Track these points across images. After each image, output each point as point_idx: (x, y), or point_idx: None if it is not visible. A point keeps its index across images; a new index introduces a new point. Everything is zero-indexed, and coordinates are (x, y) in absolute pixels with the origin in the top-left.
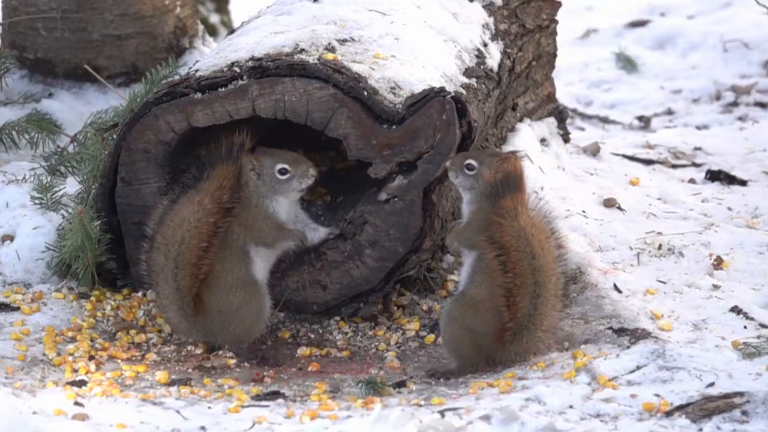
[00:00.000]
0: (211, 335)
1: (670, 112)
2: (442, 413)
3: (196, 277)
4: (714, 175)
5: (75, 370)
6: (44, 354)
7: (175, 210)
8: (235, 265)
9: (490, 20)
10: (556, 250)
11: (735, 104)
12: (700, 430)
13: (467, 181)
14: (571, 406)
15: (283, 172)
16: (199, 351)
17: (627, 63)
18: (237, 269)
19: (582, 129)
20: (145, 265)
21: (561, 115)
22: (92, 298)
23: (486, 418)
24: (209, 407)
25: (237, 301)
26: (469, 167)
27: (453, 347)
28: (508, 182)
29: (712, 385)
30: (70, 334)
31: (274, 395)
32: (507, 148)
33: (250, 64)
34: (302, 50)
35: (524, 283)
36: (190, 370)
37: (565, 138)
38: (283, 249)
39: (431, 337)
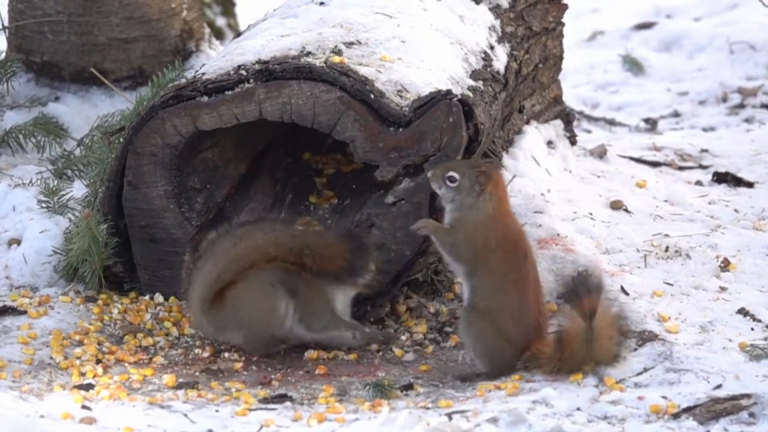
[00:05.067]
0: (223, 331)
1: (676, 114)
2: (449, 416)
3: (235, 275)
4: (721, 177)
5: (82, 374)
6: (51, 358)
7: (269, 222)
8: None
9: (497, 23)
10: None
11: (741, 106)
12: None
13: (449, 192)
14: (578, 409)
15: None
16: (206, 354)
17: (633, 65)
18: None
19: (588, 131)
20: (206, 241)
21: (567, 118)
22: (99, 302)
23: (493, 420)
24: (217, 410)
25: (250, 296)
26: (451, 179)
27: (487, 357)
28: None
29: (719, 387)
30: (77, 337)
31: (282, 398)
32: (514, 150)
33: (256, 67)
34: (309, 53)
35: None
36: (197, 373)
37: (572, 140)
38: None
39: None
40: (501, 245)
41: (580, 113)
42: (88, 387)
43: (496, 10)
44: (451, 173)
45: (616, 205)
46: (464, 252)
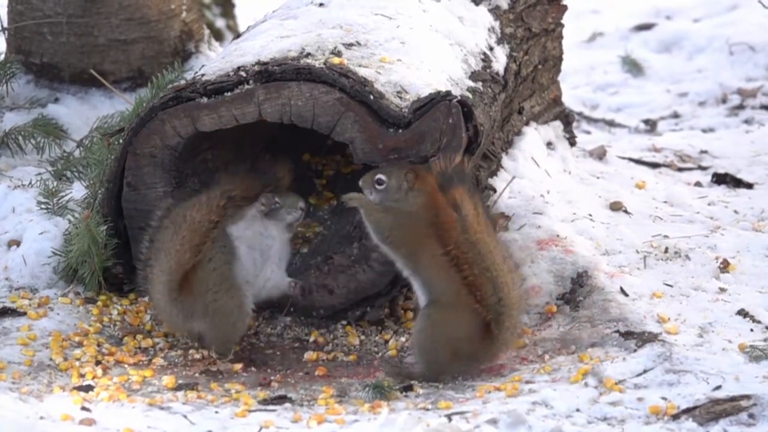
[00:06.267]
0: (192, 320)
1: (676, 116)
2: (449, 417)
3: (195, 255)
4: (720, 178)
5: (82, 375)
6: (51, 359)
7: (191, 200)
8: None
9: (496, 24)
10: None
11: (741, 107)
12: None
13: (378, 196)
14: (578, 410)
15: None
16: (205, 355)
17: (633, 66)
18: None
19: (588, 132)
20: (148, 243)
21: (567, 119)
22: (99, 303)
23: (493, 421)
24: (216, 412)
25: (215, 295)
26: (379, 182)
27: (428, 357)
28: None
29: (718, 388)
30: (76, 339)
31: (281, 399)
32: (513, 151)
33: (256, 68)
34: (308, 54)
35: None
36: (197, 374)
37: (572, 141)
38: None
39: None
40: (434, 226)
41: (580, 114)
42: (88, 388)
43: (495, 11)
44: (379, 176)
45: (616, 206)
46: (390, 233)
